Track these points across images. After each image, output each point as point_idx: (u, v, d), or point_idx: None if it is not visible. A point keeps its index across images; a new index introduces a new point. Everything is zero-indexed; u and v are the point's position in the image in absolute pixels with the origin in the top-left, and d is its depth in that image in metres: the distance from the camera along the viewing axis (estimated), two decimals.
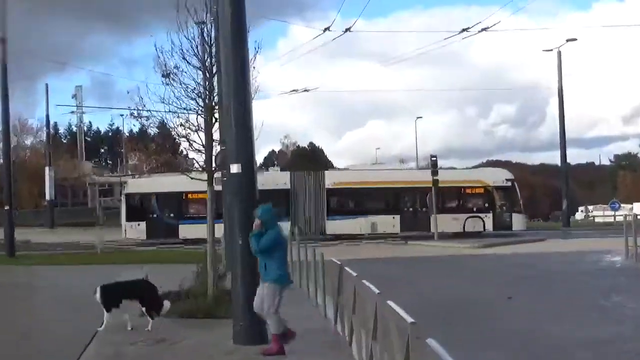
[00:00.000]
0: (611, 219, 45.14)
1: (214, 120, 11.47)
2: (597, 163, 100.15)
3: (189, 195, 31.82)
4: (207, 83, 11.49)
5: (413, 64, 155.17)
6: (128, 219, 31.64)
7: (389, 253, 26.44)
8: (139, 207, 32.23)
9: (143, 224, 31.92)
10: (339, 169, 39.28)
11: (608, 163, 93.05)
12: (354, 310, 7.53)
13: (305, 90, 35.47)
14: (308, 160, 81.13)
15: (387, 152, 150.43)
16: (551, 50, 44.74)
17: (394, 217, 33.12)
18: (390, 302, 5.14)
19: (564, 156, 44.26)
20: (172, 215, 32.27)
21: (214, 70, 11.14)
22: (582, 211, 62.28)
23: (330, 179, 33.42)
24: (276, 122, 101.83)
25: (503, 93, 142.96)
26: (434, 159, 32.28)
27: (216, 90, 10.89)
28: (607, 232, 34.33)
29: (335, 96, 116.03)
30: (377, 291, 5.94)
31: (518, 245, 29.42)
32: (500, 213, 33.54)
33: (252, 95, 9.01)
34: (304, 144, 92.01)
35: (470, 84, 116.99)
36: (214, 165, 11.71)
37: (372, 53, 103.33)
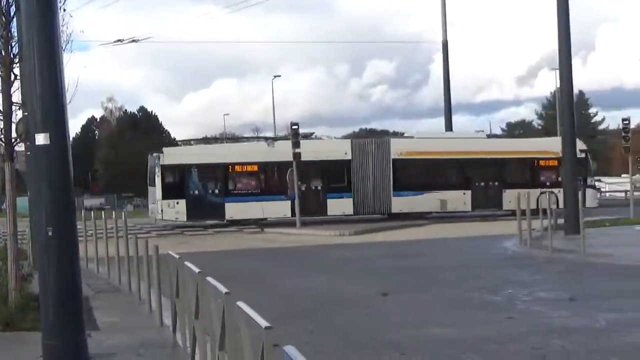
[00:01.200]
0: None
1: (12, 77, 11.02)
2: (487, 132, 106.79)
3: (236, 168, 34.08)
4: (2, 29, 10.99)
5: (269, 10, 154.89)
6: (165, 197, 32.94)
7: (244, 244, 26.73)
8: (177, 182, 33.53)
9: (182, 203, 33.23)
10: (405, 136, 40.16)
11: (499, 132, 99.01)
12: (197, 315, 7.62)
13: (134, 41, 34.57)
14: (138, 129, 79.26)
15: (237, 119, 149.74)
16: None
17: (464, 193, 35.79)
18: (240, 304, 5.27)
19: (449, 124, 45.27)
20: (216, 191, 33.93)
21: (12, 12, 10.68)
22: None
23: (397, 149, 35.26)
24: (97, 80, 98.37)
25: (380, 48, 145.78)
26: (295, 127, 32.82)
27: (16, 39, 10.46)
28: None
29: (173, 49, 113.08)
30: (225, 290, 6.04)
31: (397, 232, 30.69)
32: None
33: (63, 46, 8.71)
34: (133, 108, 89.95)
35: (339, 36, 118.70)
36: (14, 135, 11.25)
37: None
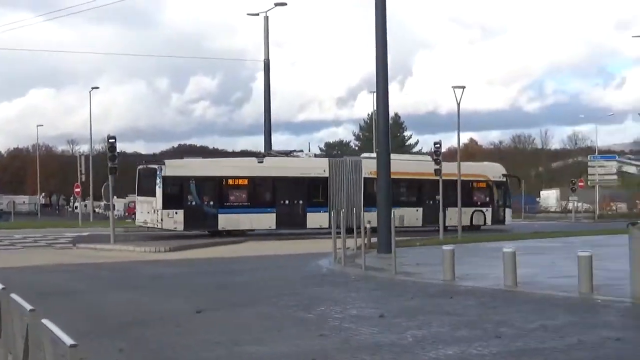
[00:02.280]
0: None
1: None
2: (306, 151, 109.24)
3: (229, 181, 36.98)
4: None
5: (92, 20, 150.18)
6: (165, 206, 35.29)
7: (54, 259, 25.68)
8: (177, 193, 35.83)
9: (181, 213, 35.65)
10: (369, 156, 41.99)
11: (318, 152, 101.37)
12: None
13: None
14: None
15: (54, 130, 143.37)
16: (257, 14, 46.78)
17: (417, 210, 41.16)
18: (45, 321, 5.08)
19: (268, 142, 45.56)
20: (211, 202, 36.49)
21: None
22: None
23: (367, 168, 38.51)
24: None
25: (203, 64, 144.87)
26: (112, 140, 32.02)
27: None
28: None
29: None
30: (29, 307, 5.80)
31: (217, 248, 30.62)
32: (497, 207, 44.00)
33: None
34: None
35: (164, 50, 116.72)
36: None
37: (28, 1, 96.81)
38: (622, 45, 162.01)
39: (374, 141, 55.45)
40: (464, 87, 33.63)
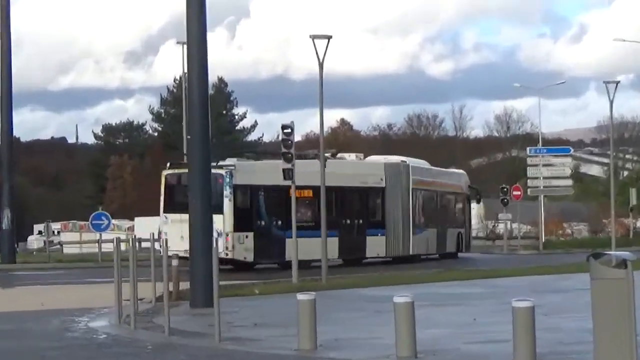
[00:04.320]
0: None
1: None
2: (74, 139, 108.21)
3: (296, 193, 38.29)
4: None
5: None
6: (237, 228, 41.37)
7: None
8: (248, 209, 42.47)
9: (251, 237, 41.91)
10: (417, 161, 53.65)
11: (92, 140, 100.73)
12: None
13: None
14: None
15: None
16: None
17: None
18: None
19: (7, 123, 47.71)
20: (279, 222, 42.49)
21: None
22: (41, 232, 67.38)
23: (415, 175, 47.38)
24: None
25: None
26: None
27: None
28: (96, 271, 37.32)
29: None
30: None
31: None
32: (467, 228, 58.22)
33: None
34: None
35: None
36: None
37: None
38: None
39: (184, 123, 55.52)
40: (329, 38, 33.96)
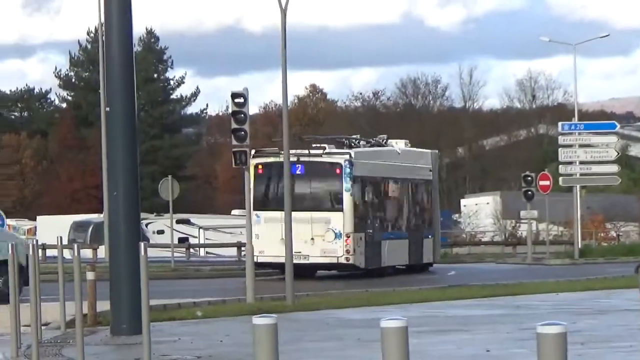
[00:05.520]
0: None
1: None
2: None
3: (385, 186, 51.50)
4: None
5: None
6: (357, 229, 46.60)
7: None
8: (364, 206, 48.51)
9: (363, 239, 47.00)
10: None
11: None
12: None
13: None
14: None
15: None
16: None
17: None
18: None
19: None
20: (377, 223, 49.59)
21: None
22: None
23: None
24: None
25: None
26: None
27: None
28: None
29: None
30: None
31: None
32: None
33: None
34: None
35: None
36: None
37: None
38: None
39: (100, 91, 55.36)
40: None
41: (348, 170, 45.83)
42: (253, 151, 46.08)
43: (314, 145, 50.17)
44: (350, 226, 45.77)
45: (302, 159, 46.32)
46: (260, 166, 46.23)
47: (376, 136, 55.69)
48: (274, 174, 45.52)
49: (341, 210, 45.80)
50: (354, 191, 46.45)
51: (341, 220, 45.55)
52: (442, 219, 62.80)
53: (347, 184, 46.09)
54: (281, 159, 41.35)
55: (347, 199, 46.05)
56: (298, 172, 45.67)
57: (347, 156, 46.33)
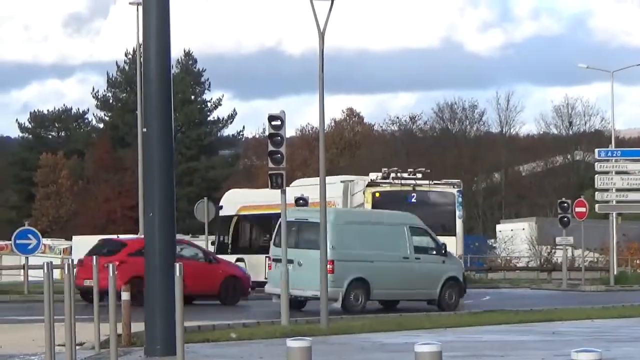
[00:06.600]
0: None
1: None
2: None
3: None
4: None
5: None
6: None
7: None
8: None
9: None
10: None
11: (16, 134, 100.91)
12: None
13: None
14: None
15: None
16: None
17: None
18: None
19: None
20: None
21: None
22: None
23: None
24: None
25: None
26: None
27: None
28: None
29: None
30: None
31: None
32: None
33: None
34: None
35: None
36: None
37: None
38: None
39: (138, 112, 55.34)
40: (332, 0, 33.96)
41: (460, 199, 51.55)
42: (368, 180, 53.26)
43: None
44: (460, 250, 50.13)
45: (418, 188, 51.50)
46: (376, 196, 50.28)
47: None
48: (385, 204, 48.34)
49: (454, 234, 50.10)
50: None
51: (454, 244, 48.33)
52: (477, 244, 66.01)
53: (459, 211, 51.14)
54: (393, 189, 48.45)
55: (459, 225, 51.09)
56: (413, 200, 50.79)
57: (459, 187, 52.13)
